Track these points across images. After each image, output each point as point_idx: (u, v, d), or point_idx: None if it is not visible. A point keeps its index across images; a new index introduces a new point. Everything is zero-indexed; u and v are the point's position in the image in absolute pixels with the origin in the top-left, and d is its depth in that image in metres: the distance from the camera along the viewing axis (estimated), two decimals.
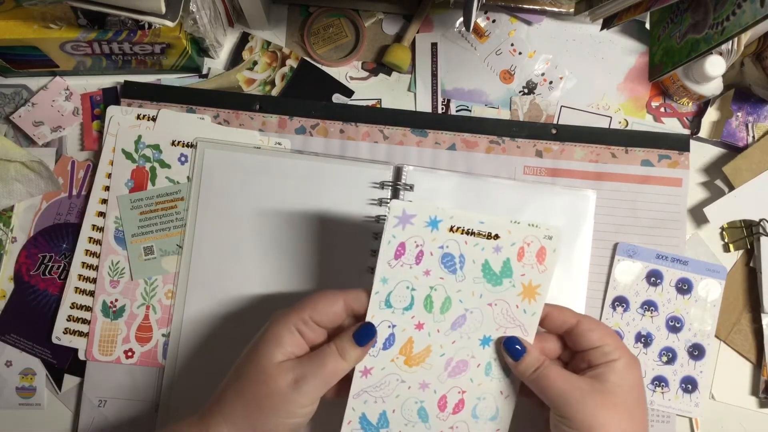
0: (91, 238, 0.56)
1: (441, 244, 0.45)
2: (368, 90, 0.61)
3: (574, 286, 0.56)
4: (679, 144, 0.59)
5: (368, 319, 0.44)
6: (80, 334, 0.55)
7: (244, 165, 0.56)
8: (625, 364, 0.44)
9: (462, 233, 0.45)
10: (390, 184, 0.56)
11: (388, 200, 0.55)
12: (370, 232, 0.55)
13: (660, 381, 0.56)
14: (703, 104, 0.61)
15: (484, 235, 0.45)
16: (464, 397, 0.47)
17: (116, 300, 0.55)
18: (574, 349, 0.46)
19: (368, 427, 0.47)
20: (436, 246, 0.45)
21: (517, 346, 0.45)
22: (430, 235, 0.44)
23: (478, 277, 0.45)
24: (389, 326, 0.45)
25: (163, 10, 0.47)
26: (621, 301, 0.57)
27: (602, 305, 0.57)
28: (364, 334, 0.44)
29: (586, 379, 0.44)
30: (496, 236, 0.45)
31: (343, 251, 0.55)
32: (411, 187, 0.56)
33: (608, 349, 0.44)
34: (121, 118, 0.57)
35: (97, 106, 0.59)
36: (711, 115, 0.60)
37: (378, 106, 0.61)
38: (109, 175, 0.56)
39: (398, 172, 0.56)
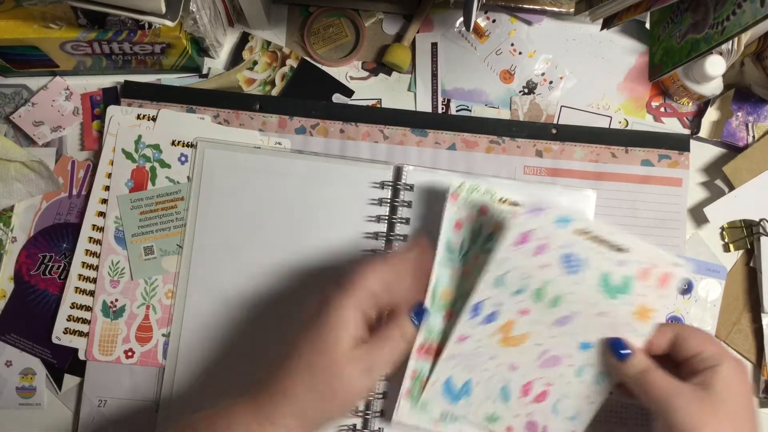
0: (91, 238, 0.56)
1: (566, 243, 0.44)
2: (368, 90, 0.61)
3: None
4: (679, 144, 0.59)
5: (478, 294, 0.45)
6: (80, 334, 0.55)
7: (244, 165, 0.56)
8: (729, 368, 0.43)
9: (589, 239, 0.44)
10: (390, 183, 0.56)
11: (388, 200, 0.55)
12: (371, 231, 0.55)
13: None
14: (703, 104, 0.61)
15: (613, 247, 0.45)
16: (549, 389, 0.48)
17: (116, 300, 0.55)
18: (675, 359, 0.46)
19: (449, 392, 0.47)
20: (561, 244, 0.44)
21: (624, 347, 0.45)
22: (556, 232, 0.44)
23: (594, 285, 0.45)
24: (496, 304, 0.45)
25: (163, 9, 0.47)
26: None
27: None
28: (420, 313, 0.46)
29: (690, 385, 0.43)
30: (623, 250, 0.45)
31: (342, 250, 0.55)
32: (411, 187, 0.56)
33: (708, 354, 0.43)
34: (121, 118, 0.57)
35: (97, 105, 0.59)
36: (711, 115, 0.60)
37: (378, 106, 0.61)
38: (109, 175, 0.56)
39: (398, 172, 0.56)
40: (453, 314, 0.48)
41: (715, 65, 0.55)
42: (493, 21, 0.62)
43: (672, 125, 0.61)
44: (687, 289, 0.57)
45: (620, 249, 0.44)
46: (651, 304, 0.45)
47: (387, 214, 0.55)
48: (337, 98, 0.61)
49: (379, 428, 0.53)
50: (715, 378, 0.42)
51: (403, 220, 0.55)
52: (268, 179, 0.56)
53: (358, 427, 0.53)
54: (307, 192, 0.56)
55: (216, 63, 0.61)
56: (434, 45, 0.62)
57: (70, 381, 0.55)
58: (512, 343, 0.46)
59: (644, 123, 0.61)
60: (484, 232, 0.49)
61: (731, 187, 0.58)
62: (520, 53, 0.62)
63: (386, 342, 0.43)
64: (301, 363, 0.42)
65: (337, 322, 0.42)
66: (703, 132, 0.60)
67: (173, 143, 0.57)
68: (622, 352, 0.45)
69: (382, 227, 0.55)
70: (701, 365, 0.43)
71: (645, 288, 0.45)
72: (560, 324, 0.46)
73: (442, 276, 0.49)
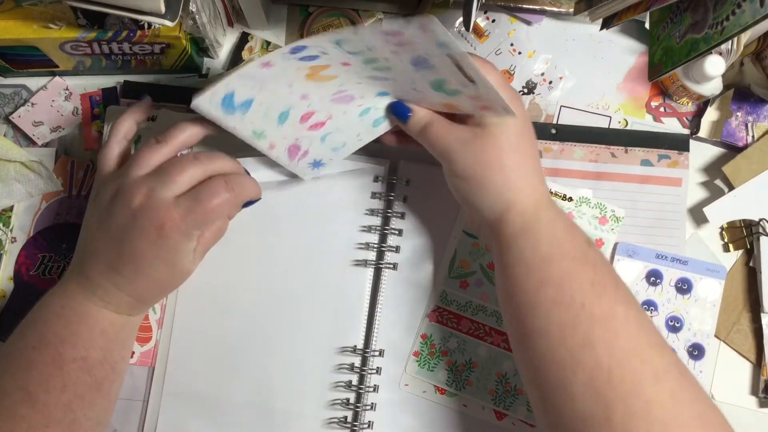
0: None
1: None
2: None
3: None
4: (679, 144, 0.59)
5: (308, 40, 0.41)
6: None
7: None
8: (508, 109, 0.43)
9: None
10: (385, 178, 0.56)
11: (382, 194, 0.55)
12: (366, 225, 0.55)
13: None
14: (703, 104, 0.61)
15: (465, 73, 0.41)
16: (327, 122, 0.49)
17: None
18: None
19: (228, 103, 0.44)
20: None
21: (406, 109, 0.47)
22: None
23: (427, 80, 0.43)
24: (322, 52, 0.42)
25: (163, 10, 0.47)
26: None
27: None
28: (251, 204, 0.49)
29: (469, 127, 0.44)
30: (473, 82, 0.42)
31: (337, 244, 0.55)
32: (407, 182, 0.56)
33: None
34: None
35: (97, 106, 0.59)
36: (711, 114, 0.60)
37: None
38: None
39: (394, 167, 0.56)
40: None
41: (715, 65, 0.55)
42: (493, 21, 0.62)
43: (671, 125, 0.61)
44: (686, 289, 0.57)
45: (471, 80, 0.41)
46: (460, 105, 0.45)
47: (382, 208, 0.56)
48: None
49: (369, 422, 0.53)
50: (492, 119, 0.43)
51: (398, 214, 0.56)
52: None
53: (349, 419, 0.53)
54: (303, 188, 0.55)
55: (215, 63, 0.61)
56: None
57: None
58: (317, 78, 0.45)
59: (644, 123, 0.61)
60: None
61: (731, 187, 0.58)
62: (519, 53, 0.62)
63: (217, 229, 0.48)
64: (154, 283, 0.46)
65: (184, 252, 0.45)
66: (703, 132, 0.60)
67: None
68: (404, 110, 0.47)
69: (377, 221, 0.55)
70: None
71: (465, 102, 0.44)
72: (372, 79, 0.45)
73: None
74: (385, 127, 0.50)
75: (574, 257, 0.41)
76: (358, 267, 0.55)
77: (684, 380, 0.39)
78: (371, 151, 0.55)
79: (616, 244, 0.57)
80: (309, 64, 0.43)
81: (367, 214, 0.55)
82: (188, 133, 0.46)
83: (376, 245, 0.55)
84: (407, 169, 0.56)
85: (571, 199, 0.56)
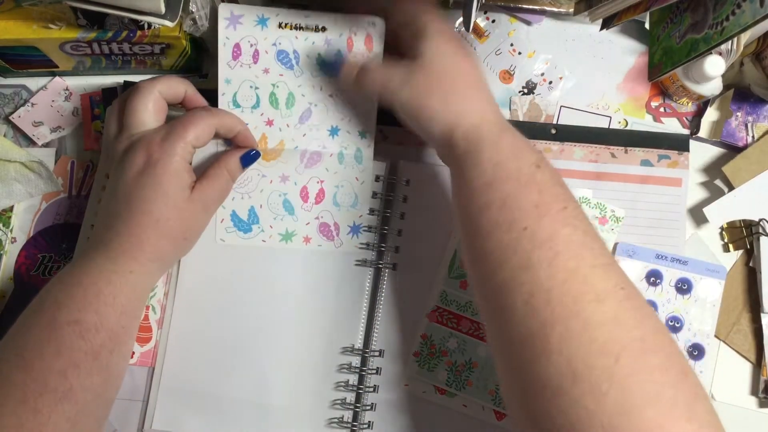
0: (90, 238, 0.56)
1: (273, 41, 0.48)
2: None
3: None
4: (679, 144, 0.59)
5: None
6: None
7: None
8: (434, 33, 0.44)
9: (291, 29, 0.48)
10: (385, 178, 0.55)
11: (381, 194, 0.55)
12: (366, 225, 0.55)
13: None
14: (703, 104, 0.61)
15: (312, 29, 0.48)
16: (323, 186, 0.51)
17: None
18: (397, 35, 0.48)
19: (240, 224, 0.50)
20: (270, 44, 0.48)
21: (336, 66, 0.48)
22: (261, 34, 0.48)
23: (315, 71, 0.49)
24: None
25: (163, 10, 0.47)
26: None
27: None
28: (249, 156, 0.49)
29: (403, 63, 0.45)
30: (324, 28, 0.48)
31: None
32: (407, 182, 0.56)
33: (415, 24, 0.45)
34: None
35: (97, 106, 0.59)
36: (710, 115, 0.60)
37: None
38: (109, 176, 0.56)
39: (394, 167, 0.56)
40: None
41: (715, 65, 0.55)
42: (493, 21, 0.62)
43: (671, 125, 0.61)
44: (686, 289, 0.57)
45: (321, 28, 0.48)
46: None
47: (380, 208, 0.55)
48: None
49: (369, 422, 0.53)
50: (423, 46, 0.44)
51: (398, 214, 0.56)
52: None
53: (348, 419, 0.53)
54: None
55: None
56: None
57: None
58: (273, 156, 0.49)
59: (644, 123, 0.61)
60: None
61: (731, 187, 0.58)
62: (519, 53, 0.62)
63: (215, 179, 0.48)
64: (149, 217, 0.45)
65: (171, 174, 0.45)
66: (703, 132, 0.60)
67: None
68: (338, 68, 0.48)
69: (376, 220, 0.55)
70: (411, 37, 0.45)
71: (355, 56, 0.49)
72: (304, 120, 0.49)
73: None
74: (367, 156, 0.52)
75: (518, 179, 0.40)
76: (358, 267, 0.55)
77: (630, 303, 0.37)
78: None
79: (616, 244, 0.57)
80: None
81: (367, 213, 0.55)
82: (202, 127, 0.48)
83: (375, 245, 0.55)
84: (407, 169, 0.56)
85: None
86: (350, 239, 0.53)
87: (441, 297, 0.55)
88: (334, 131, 0.50)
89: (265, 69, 0.49)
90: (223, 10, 0.48)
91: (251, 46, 0.48)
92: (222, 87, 0.49)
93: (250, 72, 0.49)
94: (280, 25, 0.48)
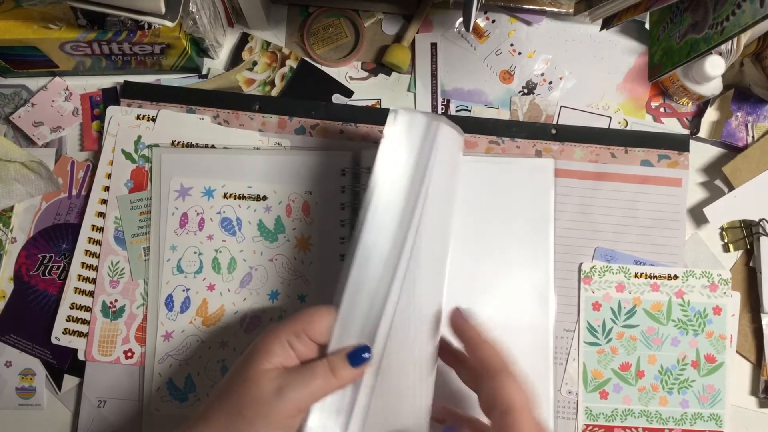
0: (90, 238, 0.56)
1: (218, 210, 0.52)
2: (368, 90, 0.61)
3: (539, 258, 0.55)
4: (679, 144, 0.59)
5: (165, 287, 0.50)
6: (80, 334, 0.55)
7: (203, 167, 0.55)
8: (519, 408, 0.40)
9: (235, 198, 0.52)
10: (350, 169, 0.55)
11: (348, 187, 0.55)
12: (340, 219, 0.55)
13: None
14: (703, 104, 0.61)
15: (254, 198, 0.52)
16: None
17: (116, 300, 0.55)
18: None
19: (176, 393, 0.50)
20: (215, 212, 0.52)
21: None
22: (207, 204, 0.52)
23: (256, 236, 0.52)
24: (184, 290, 0.51)
25: (163, 10, 0.47)
26: None
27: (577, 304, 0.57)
28: (358, 354, 0.41)
29: None
30: (264, 197, 0.52)
31: (316, 240, 0.55)
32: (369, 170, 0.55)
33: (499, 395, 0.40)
34: (120, 118, 0.57)
35: (97, 106, 0.59)
36: (711, 115, 0.60)
37: (378, 106, 0.61)
38: (109, 176, 0.56)
39: (356, 158, 0.56)
40: None
41: (715, 65, 0.55)
42: (493, 21, 0.62)
43: (671, 125, 0.61)
44: None
45: (262, 197, 0.52)
46: (304, 233, 0.52)
47: (349, 201, 0.55)
48: (337, 98, 0.61)
49: None
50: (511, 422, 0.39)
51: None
52: (232, 178, 0.55)
53: None
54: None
55: (216, 63, 0.61)
56: (434, 45, 0.62)
57: (69, 381, 0.55)
58: (213, 321, 0.51)
59: (644, 123, 0.61)
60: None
61: (731, 187, 0.58)
62: (519, 53, 0.62)
63: (310, 370, 0.41)
64: (219, 387, 0.42)
65: (260, 349, 0.41)
66: (703, 132, 0.60)
67: (173, 144, 0.57)
68: None
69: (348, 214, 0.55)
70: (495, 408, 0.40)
71: (293, 222, 0.52)
72: (244, 284, 0.51)
73: None
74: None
75: None
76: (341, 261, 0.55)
77: None
78: (334, 145, 0.56)
79: (595, 249, 0.57)
80: (191, 310, 0.52)
81: (341, 208, 0.55)
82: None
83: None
84: (369, 157, 0.55)
85: (676, 277, 0.56)
86: None
87: (586, 414, 0.54)
88: (273, 295, 0.52)
89: (209, 235, 0.52)
90: (174, 183, 0.52)
91: (197, 214, 0.52)
92: (167, 253, 0.52)
93: (195, 239, 0.52)
94: (224, 196, 0.52)
